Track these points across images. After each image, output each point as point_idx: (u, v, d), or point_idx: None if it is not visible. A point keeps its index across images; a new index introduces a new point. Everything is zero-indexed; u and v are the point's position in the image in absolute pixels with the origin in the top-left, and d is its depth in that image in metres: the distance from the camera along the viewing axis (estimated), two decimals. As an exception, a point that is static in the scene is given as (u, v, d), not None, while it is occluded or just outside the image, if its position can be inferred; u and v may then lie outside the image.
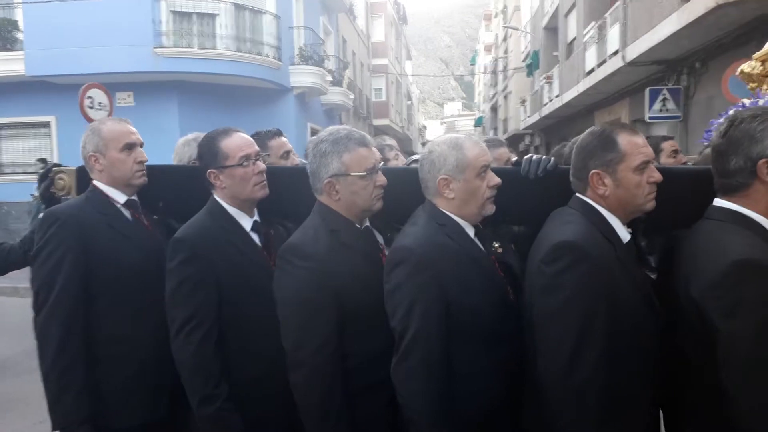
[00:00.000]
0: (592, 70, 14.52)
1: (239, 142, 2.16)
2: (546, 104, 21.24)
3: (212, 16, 14.43)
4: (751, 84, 3.14)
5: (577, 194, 1.91)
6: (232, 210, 2.18)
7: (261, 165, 2.17)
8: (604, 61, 13.41)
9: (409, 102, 47.90)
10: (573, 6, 17.82)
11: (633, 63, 11.52)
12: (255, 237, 2.19)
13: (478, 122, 55.29)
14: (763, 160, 1.64)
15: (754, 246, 1.59)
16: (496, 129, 40.56)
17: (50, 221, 2.17)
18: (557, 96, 19.20)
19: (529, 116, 25.64)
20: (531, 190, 2.13)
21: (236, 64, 14.19)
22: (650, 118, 11.19)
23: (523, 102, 28.41)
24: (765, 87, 3.10)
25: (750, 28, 8.83)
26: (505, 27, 34.36)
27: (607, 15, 13.51)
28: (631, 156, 1.80)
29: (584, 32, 15.56)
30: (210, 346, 2.02)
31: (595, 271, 1.68)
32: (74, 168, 2.48)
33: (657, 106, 11.09)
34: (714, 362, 1.57)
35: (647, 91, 11.20)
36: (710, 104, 9.98)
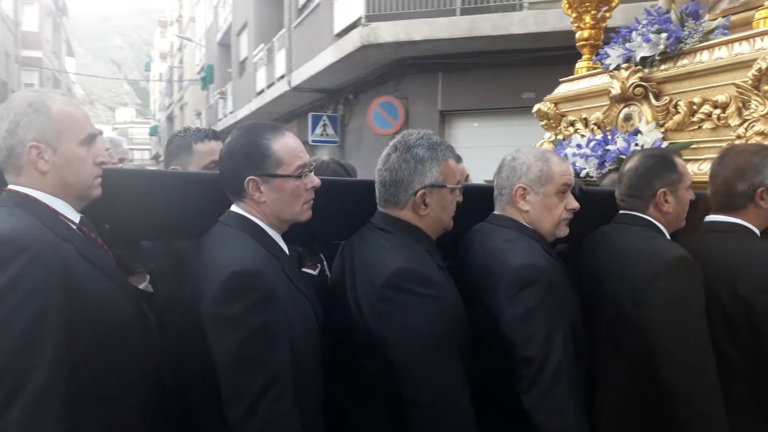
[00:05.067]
0: (262, 91, 15.03)
1: (296, 145, 1.65)
2: (221, 119, 21.25)
3: None
4: (547, 121, 3.55)
5: (633, 212, 2.02)
6: (271, 232, 1.64)
7: (315, 179, 1.68)
8: (272, 84, 14.01)
9: (72, 104, 42.93)
10: (245, 26, 18.23)
11: (297, 88, 12.31)
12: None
13: (154, 131, 52.56)
14: (762, 189, 1.97)
15: None
16: (172, 140, 39.04)
17: (11, 253, 1.28)
18: (231, 112, 19.38)
19: (204, 130, 25.25)
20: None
21: None
22: (312, 141, 12.07)
23: (198, 115, 27.95)
24: (563, 125, 3.50)
25: (389, 68, 10.22)
26: (179, 37, 33.46)
27: (274, 39, 14.16)
28: (686, 176, 2.03)
29: (255, 53, 16.04)
30: (297, 415, 1.47)
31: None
32: None
33: (318, 130, 12.05)
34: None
35: (310, 116, 12.07)
36: (361, 132, 11.22)
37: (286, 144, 1.63)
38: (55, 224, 1.43)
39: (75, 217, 1.51)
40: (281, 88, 13.09)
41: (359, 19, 9.69)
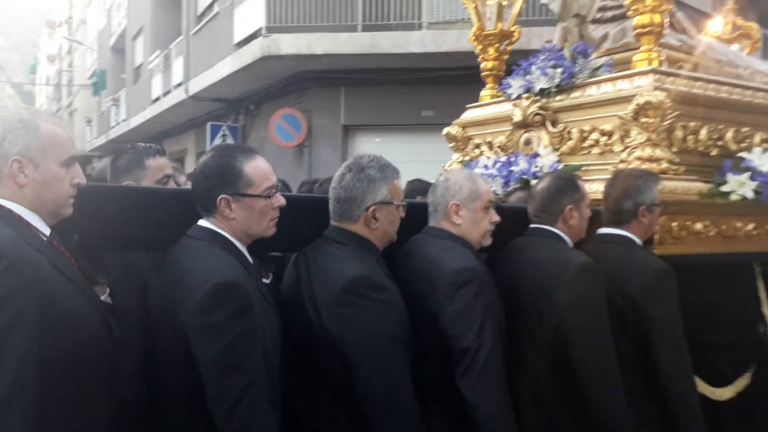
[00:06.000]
0: (158, 99, 14.51)
1: (266, 168, 1.80)
2: (113, 127, 20.27)
3: None
4: (455, 143, 3.73)
5: (544, 226, 2.30)
6: (239, 246, 1.77)
7: (281, 198, 1.83)
8: (169, 91, 13.57)
9: (-56, 106, 39.61)
10: (140, 31, 17.54)
11: (196, 97, 11.97)
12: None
13: (39, 138, 49.29)
14: (643, 207, 2.31)
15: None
16: (59, 147, 36.73)
17: None
18: (124, 120, 18.55)
19: (96, 138, 23.99)
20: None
21: None
22: (211, 151, 11.74)
23: (89, 122, 26.52)
24: (470, 147, 3.66)
25: (291, 80, 10.19)
26: (68, 39, 31.66)
27: (172, 46, 13.74)
28: (587, 195, 2.34)
29: (150, 59, 15.48)
30: (272, 414, 1.64)
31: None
32: None
33: (218, 141, 11.74)
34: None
35: (208, 125, 11.77)
36: (263, 144, 11.05)
37: (257, 166, 1.78)
38: (29, 236, 1.48)
39: (46, 230, 1.55)
40: (178, 96, 12.67)
41: (260, 29, 9.62)
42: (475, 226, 2.14)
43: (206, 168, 1.77)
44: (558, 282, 2.07)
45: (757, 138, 2.88)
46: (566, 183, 2.34)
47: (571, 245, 2.29)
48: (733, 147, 2.83)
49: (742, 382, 2.60)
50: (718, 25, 4.30)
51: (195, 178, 1.81)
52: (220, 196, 1.73)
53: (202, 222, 1.78)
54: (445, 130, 3.77)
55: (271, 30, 9.53)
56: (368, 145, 10.46)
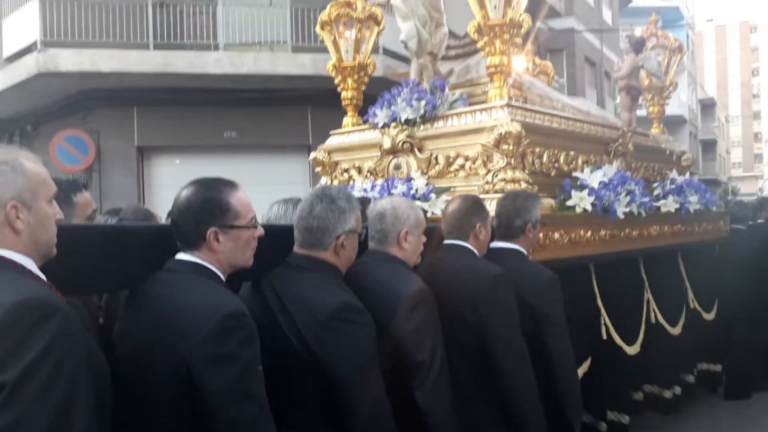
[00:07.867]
0: None
1: (248, 199, 1.85)
2: None
3: None
4: (322, 167, 3.74)
5: (457, 242, 2.56)
6: (224, 278, 1.80)
7: (261, 228, 1.88)
8: None
9: None
10: None
11: (-48, 117, 10.30)
12: None
13: None
14: (529, 223, 2.67)
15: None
16: None
17: (41, 315, 1.28)
18: None
19: None
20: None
21: None
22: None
23: None
24: (338, 171, 3.65)
25: (75, 99, 9.36)
26: None
27: None
28: (490, 214, 2.66)
29: None
30: None
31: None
32: None
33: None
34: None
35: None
36: (45, 168, 9.87)
37: (241, 198, 1.81)
38: (42, 287, 1.41)
39: (41, 275, 1.49)
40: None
41: (34, 43, 8.70)
42: (416, 249, 2.37)
43: (191, 202, 1.76)
44: (477, 291, 2.36)
45: (580, 160, 3.53)
46: (474, 204, 2.63)
47: (479, 257, 2.58)
48: (566, 168, 3.43)
49: (580, 370, 3.06)
50: (521, 62, 5.07)
51: (178, 213, 1.78)
52: (210, 230, 1.73)
53: (183, 256, 1.76)
54: (312, 155, 3.92)
55: (48, 44, 8.68)
56: (167, 168, 10.00)
